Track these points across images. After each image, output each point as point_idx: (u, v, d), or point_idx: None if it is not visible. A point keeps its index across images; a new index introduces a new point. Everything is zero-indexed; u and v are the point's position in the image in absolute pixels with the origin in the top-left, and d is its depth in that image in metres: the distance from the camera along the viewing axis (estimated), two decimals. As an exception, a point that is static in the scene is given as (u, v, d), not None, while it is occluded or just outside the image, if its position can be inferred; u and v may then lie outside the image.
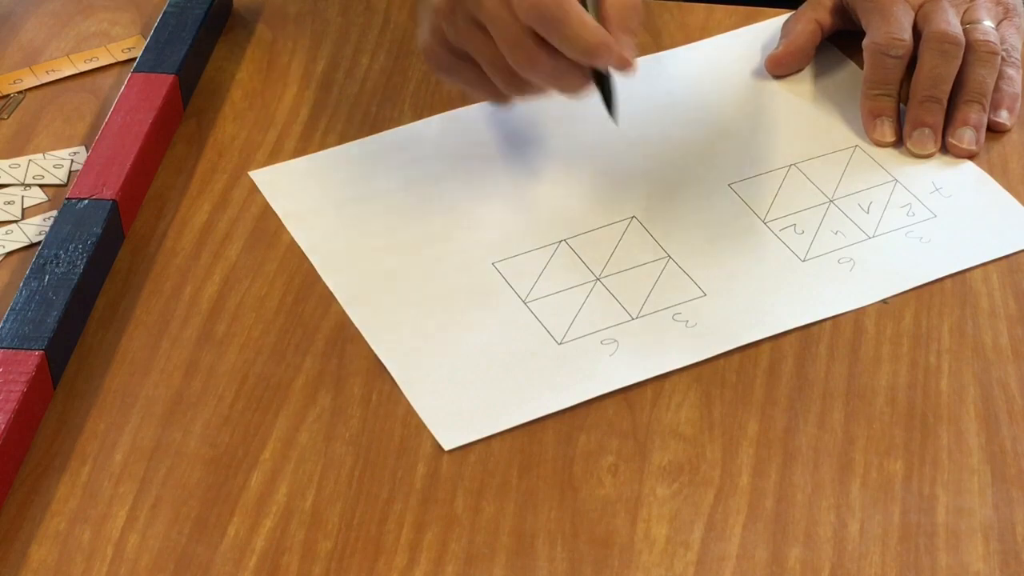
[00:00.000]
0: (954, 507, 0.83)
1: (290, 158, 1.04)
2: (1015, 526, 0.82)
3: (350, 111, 1.07)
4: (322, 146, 1.04)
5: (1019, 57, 1.05)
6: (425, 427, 0.87)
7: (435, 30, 0.95)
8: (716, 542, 0.81)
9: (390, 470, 0.85)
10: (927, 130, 1.01)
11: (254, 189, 1.01)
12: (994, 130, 1.03)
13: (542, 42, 0.91)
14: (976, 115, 1.02)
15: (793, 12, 1.10)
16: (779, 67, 1.08)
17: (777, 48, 1.08)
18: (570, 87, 0.93)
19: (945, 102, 1.02)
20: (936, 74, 1.02)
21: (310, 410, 0.88)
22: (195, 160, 1.03)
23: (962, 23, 1.03)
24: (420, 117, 1.06)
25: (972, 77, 1.02)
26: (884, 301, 0.93)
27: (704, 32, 1.13)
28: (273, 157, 1.03)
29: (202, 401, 0.89)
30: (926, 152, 1.02)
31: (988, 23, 1.03)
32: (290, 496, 0.84)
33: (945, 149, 1.02)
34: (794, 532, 0.82)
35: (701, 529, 0.82)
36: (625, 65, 0.92)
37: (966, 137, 1.01)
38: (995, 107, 1.03)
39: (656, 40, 1.12)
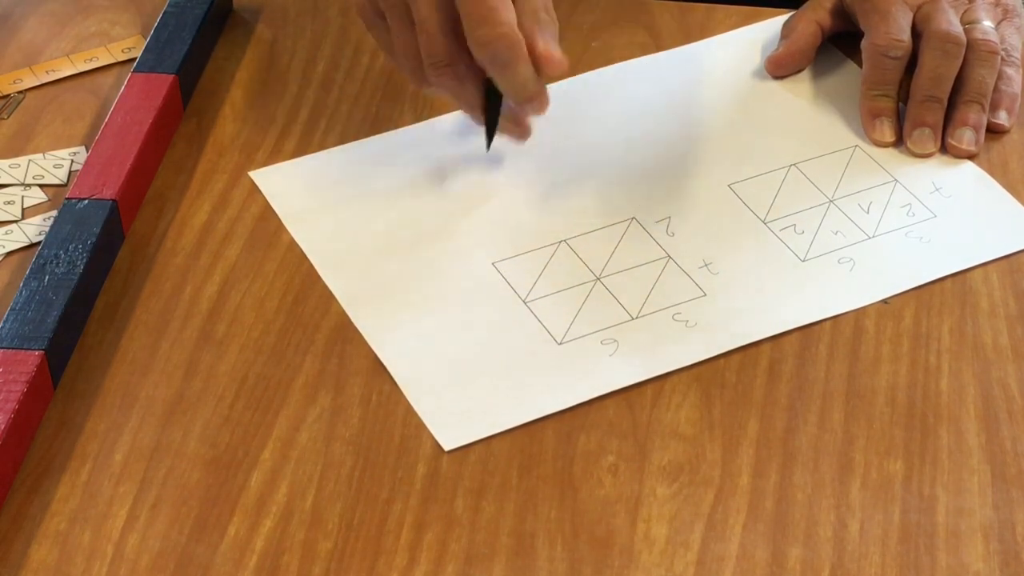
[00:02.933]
0: (954, 507, 0.83)
1: (290, 158, 1.04)
2: (1015, 526, 0.82)
3: (350, 111, 1.07)
4: (322, 146, 1.04)
5: (1019, 57, 1.05)
6: (425, 427, 0.87)
7: None
8: (716, 542, 0.81)
9: (390, 470, 0.85)
10: (927, 130, 1.01)
11: (254, 189, 1.01)
12: (993, 131, 1.03)
13: (457, 52, 0.94)
14: (976, 115, 1.02)
15: (793, 13, 1.10)
16: (779, 68, 1.08)
17: (777, 49, 1.08)
18: (465, 102, 0.98)
19: (945, 102, 1.02)
20: (938, 74, 1.01)
21: (310, 410, 0.88)
22: (195, 160, 1.03)
23: (961, 23, 1.03)
24: (420, 117, 1.06)
25: (972, 77, 1.02)
26: (884, 301, 0.94)
27: (704, 32, 1.13)
28: (273, 157, 1.04)
29: (202, 401, 0.89)
30: (926, 152, 1.02)
31: (988, 23, 1.03)
32: (290, 496, 0.84)
33: (945, 149, 1.02)
34: (794, 532, 0.82)
35: (701, 529, 0.82)
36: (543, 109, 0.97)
37: (965, 137, 1.01)
38: (994, 107, 1.03)
39: (656, 40, 1.12)
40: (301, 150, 1.04)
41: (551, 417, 0.88)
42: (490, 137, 0.99)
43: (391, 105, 1.07)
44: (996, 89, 1.03)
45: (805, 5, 1.10)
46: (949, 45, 1.01)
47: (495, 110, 0.98)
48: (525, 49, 0.93)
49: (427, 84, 0.97)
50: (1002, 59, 1.03)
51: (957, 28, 1.02)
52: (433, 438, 0.86)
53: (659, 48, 1.11)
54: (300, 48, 1.12)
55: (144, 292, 0.95)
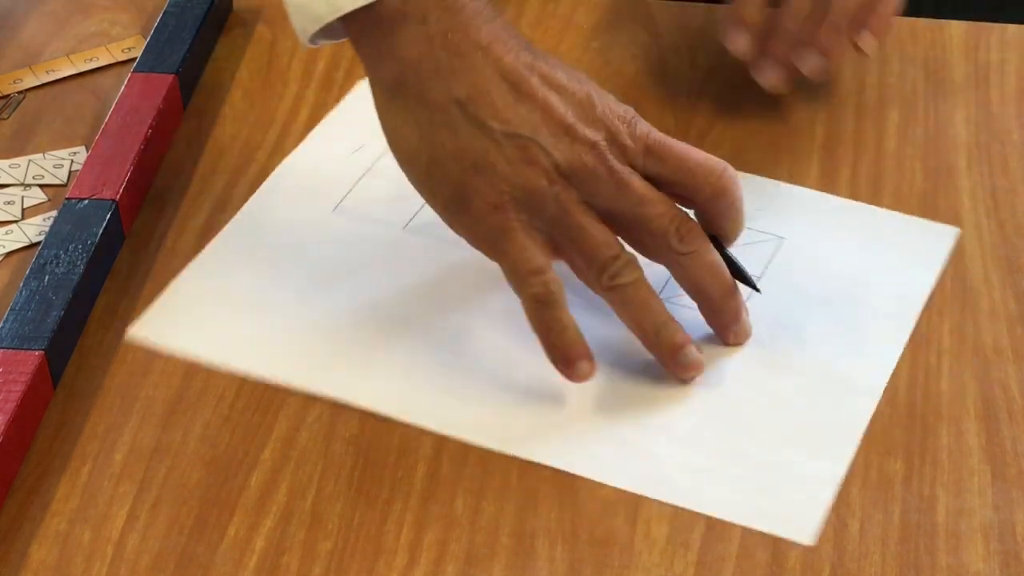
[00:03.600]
0: (954, 507, 0.83)
1: (289, 158, 1.03)
2: (1015, 526, 0.82)
3: (350, 111, 1.07)
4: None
5: None
6: (426, 427, 0.86)
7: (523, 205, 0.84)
8: (716, 542, 0.81)
9: (390, 470, 0.85)
10: (771, 60, 1.01)
11: (254, 189, 1.01)
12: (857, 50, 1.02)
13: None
14: (827, 38, 1.00)
15: None
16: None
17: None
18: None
19: (799, 33, 1.00)
20: (797, 4, 1.00)
21: (310, 410, 0.88)
22: (195, 160, 1.03)
23: None
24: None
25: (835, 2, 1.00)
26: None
27: (703, 32, 1.13)
28: (273, 157, 1.03)
29: (202, 401, 0.89)
30: (767, 83, 1.00)
31: None
32: (290, 496, 0.84)
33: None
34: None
35: (701, 529, 0.82)
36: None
37: (810, 61, 1.00)
38: (861, 26, 1.01)
39: (656, 40, 1.12)
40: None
41: (551, 417, 0.88)
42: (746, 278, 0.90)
43: (391, 105, 1.07)
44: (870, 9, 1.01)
45: None
46: None
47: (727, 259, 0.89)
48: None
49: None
50: None
51: None
52: (433, 437, 0.86)
53: (660, 48, 1.11)
54: (300, 48, 1.12)
55: (144, 292, 0.95)
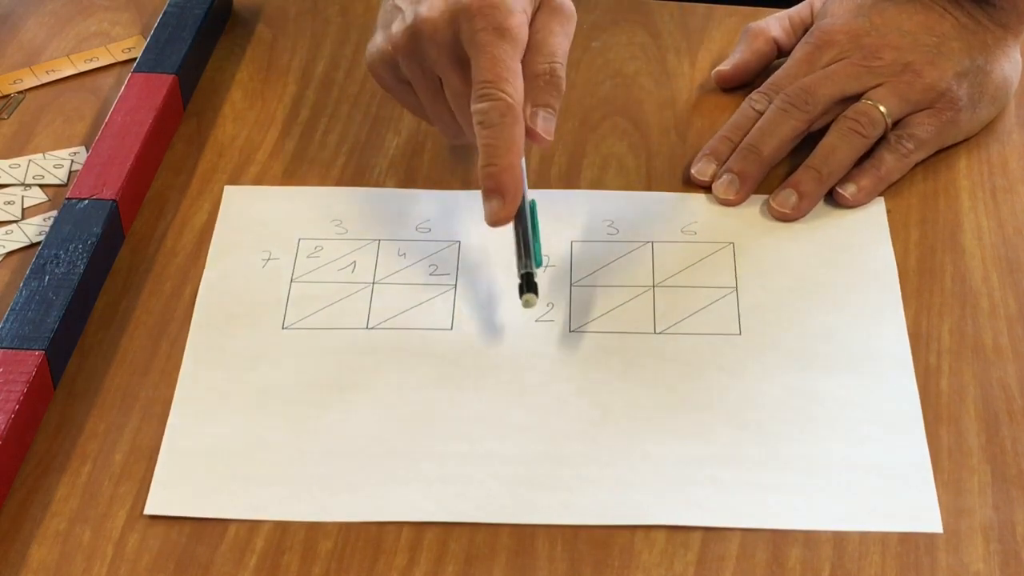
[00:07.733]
0: (954, 507, 0.83)
1: (290, 159, 1.03)
2: (1015, 526, 0.82)
3: (350, 111, 1.07)
4: (322, 146, 1.04)
5: (916, 149, 1.00)
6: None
7: (387, 56, 0.94)
8: (716, 542, 0.81)
9: (390, 470, 0.85)
10: (733, 176, 0.99)
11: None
12: (837, 202, 0.99)
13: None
14: (807, 182, 0.99)
15: (755, 23, 1.08)
16: (726, 83, 1.07)
17: (726, 65, 1.07)
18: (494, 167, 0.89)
19: (766, 155, 1.00)
20: (763, 124, 1.00)
21: (310, 410, 0.88)
22: (195, 160, 1.04)
23: (862, 94, 1.01)
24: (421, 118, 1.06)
25: (820, 144, 1.00)
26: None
27: (704, 32, 1.13)
28: (273, 157, 1.03)
29: (202, 401, 0.89)
30: (723, 196, 0.99)
31: (880, 107, 1.00)
32: (290, 496, 0.84)
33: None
34: (794, 532, 0.82)
35: (701, 529, 0.82)
36: (493, 222, 0.90)
37: (785, 200, 0.98)
38: (847, 180, 0.99)
39: (656, 40, 1.12)
40: (301, 150, 1.04)
41: (551, 417, 0.88)
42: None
43: (391, 105, 1.07)
44: (859, 165, 1.00)
45: (770, 17, 1.08)
46: (787, 105, 1.00)
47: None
48: (518, 119, 0.89)
49: (462, 140, 0.96)
50: (887, 142, 1.00)
51: (800, 86, 1.00)
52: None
53: (659, 48, 1.12)
54: (300, 48, 1.12)
55: (144, 292, 0.95)
